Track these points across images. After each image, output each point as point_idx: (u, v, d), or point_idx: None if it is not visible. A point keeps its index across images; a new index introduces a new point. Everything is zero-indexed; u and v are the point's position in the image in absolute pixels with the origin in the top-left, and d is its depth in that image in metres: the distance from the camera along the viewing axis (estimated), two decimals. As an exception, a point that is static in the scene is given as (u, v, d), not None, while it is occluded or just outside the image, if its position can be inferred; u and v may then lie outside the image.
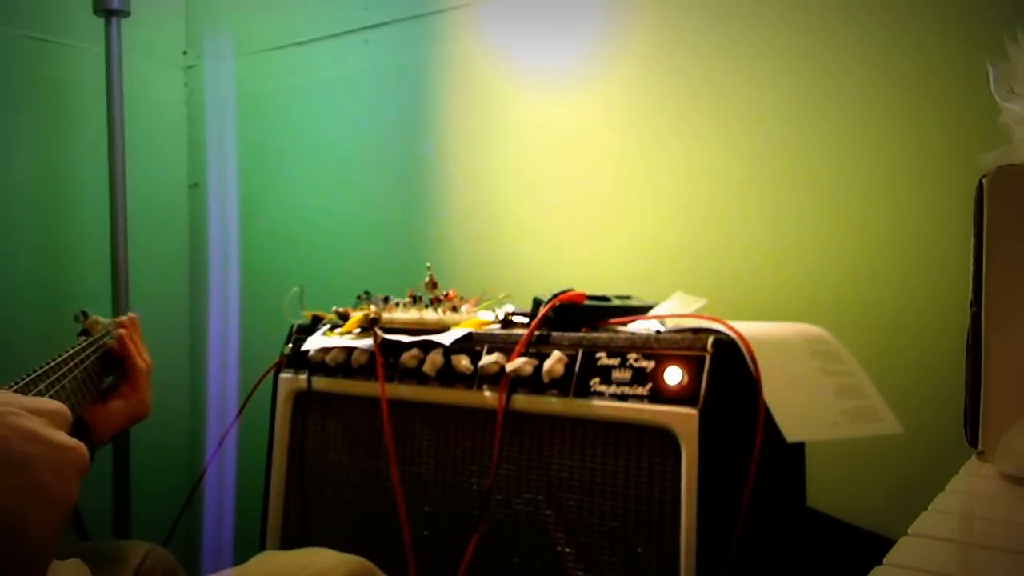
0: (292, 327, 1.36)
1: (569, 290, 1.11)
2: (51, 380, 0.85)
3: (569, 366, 1.05)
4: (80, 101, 1.92)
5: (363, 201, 1.89)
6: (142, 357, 1.12)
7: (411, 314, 1.25)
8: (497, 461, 1.09)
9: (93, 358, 1.04)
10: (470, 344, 1.15)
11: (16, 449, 0.48)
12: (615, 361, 1.02)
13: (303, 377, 1.31)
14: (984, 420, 0.87)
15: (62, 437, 0.51)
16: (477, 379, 1.12)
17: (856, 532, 1.18)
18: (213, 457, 1.86)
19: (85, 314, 1.10)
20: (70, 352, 0.96)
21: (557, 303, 1.09)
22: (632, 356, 1.01)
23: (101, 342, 1.08)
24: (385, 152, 1.86)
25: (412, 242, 1.81)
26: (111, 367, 1.10)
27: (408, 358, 1.18)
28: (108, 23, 1.81)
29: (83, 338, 1.05)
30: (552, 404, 1.06)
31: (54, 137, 1.90)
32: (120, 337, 1.10)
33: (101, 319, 1.11)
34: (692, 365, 0.96)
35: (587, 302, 1.11)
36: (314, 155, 1.97)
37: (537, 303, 1.12)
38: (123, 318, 1.14)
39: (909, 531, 0.62)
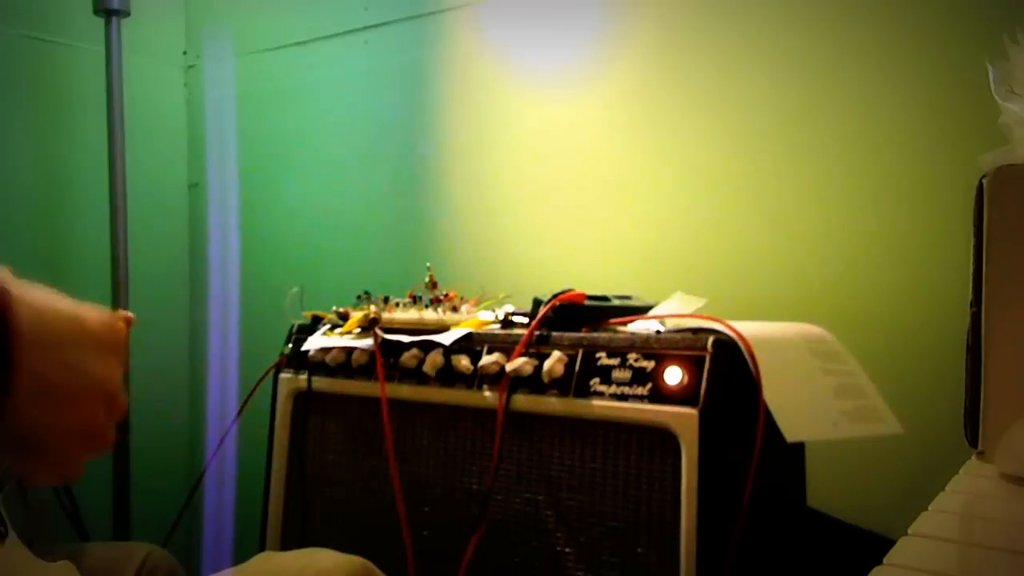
0: (292, 327, 1.36)
1: (569, 290, 1.11)
2: None
3: (569, 366, 1.05)
4: (80, 101, 1.92)
5: (363, 201, 1.89)
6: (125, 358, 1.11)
7: (411, 314, 1.25)
8: (497, 461, 1.09)
9: None
10: (470, 344, 1.15)
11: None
12: (615, 361, 1.02)
13: (303, 377, 1.31)
14: (984, 420, 0.87)
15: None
16: (477, 379, 1.12)
17: (856, 532, 1.18)
18: (213, 457, 1.86)
19: None
20: None
21: (557, 303, 1.09)
22: (632, 356, 1.01)
23: None
24: (385, 152, 1.86)
25: (412, 242, 1.81)
26: None
27: (408, 358, 1.18)
28: (108, 23, 1.81)
29: None
30: (552, 404, 1.06)
31: (54, 137, 1.90)
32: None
33: None
34: (692, 365, 0.96)
35: (587, 302, 1.11)
36: (314, 155, 1.97)
37: (537, 303, 1.12)
38: (128, 315, 1.12)
39: (909, 531, 0.63)
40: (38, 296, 0.55)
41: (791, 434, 0.90)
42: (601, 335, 1.06)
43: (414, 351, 1.18)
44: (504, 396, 1.08)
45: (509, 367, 1.07)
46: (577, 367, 1.05)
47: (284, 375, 1.34)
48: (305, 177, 1.98)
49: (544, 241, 1.64)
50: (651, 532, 0.98)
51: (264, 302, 1.95)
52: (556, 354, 1.06)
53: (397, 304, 1.27)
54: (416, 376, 1.18)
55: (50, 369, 0.53)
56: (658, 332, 1.03)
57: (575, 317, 1.09)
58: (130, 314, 1.13)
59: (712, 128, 1.46)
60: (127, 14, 1.83)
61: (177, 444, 2.13)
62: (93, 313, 0.59)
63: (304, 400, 1.32)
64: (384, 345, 1.21)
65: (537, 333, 1.10)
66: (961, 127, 1.24)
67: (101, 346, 0.58)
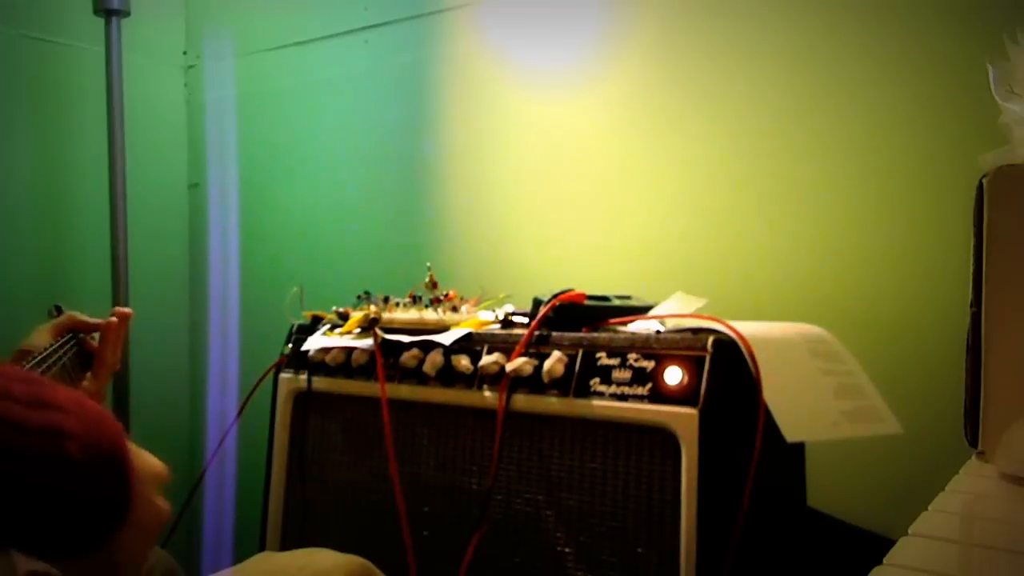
0: (292, 327, 1.36)
1: (569, 290, 1.11)
2: None
3: (569, 366, 1.05)
4: (80, 101, 1.92)
5: (363, 201, 1.89)
6: (115, 354, 1.10)
7: (411, 314, 1.25)
8: (497, 461, 1.09)
9: (71, 353, 1.04)
10: (470, 344, 1.15)
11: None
12: (615, 361, 1.02)
13: (303, 377, 1.31)
14: (984, 420, 0.87)
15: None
16: (477, 379, 1.12)
17: (856, 532, 1.18)
18: (213, 457, 1.86)
19: (59, 308, 1.09)
20: (48, 350, 0.96)
21: (557, 303, 1.09)
22: (632, 356, 1.01)
23: (79, 337, 1.08)
24: (385, 152, 1.86)
25: (412, 242, 1.81)
26: (88, 363, 1.09)
27: (408, 358, 1.18)
28: (108, 23, 1.81)
29: (54, 342, 1.04)
30: (552, 404, 1.06)
31: (54, 137, 1.90)
32: (107, 326, 1.08)
33: (76, 314, 1.10)
34: (692, 365, 0.96)
35: (587, 302, 1.11)
36: (314, 155, 1.97)
37: (537, 303, 1.12)
38: (124, 310, 1.11)
39: (909, 531, 0.63)
40: (131, 446, 0.66)
41: (791, 434, 0.90)
42: (601, 335, 1.06)
43: (414, 351, 1.18)
44: (504, 396, 1.08)
45: (509, 367, 1.07)
46: (577, 367, 1.05)
47: (284, 375, 1.34)
48: (305, 177, 1.98)
49: (544, 241, 1.64)
50: (651, 532, 0.98)
51: (264, 302, 1.96)
52: (556, 354, 1.06)
53: (397, 304, 1.27)
54: (416, 376, 1.18)
55: (144, 506, 0.64)
56: (658, 332, 1.03)
57: (575, 317, 1.09)
58: (128, 309, 1.12)
59: (712, 128, 1.46)
60: (127, 14, 1.83)
61: (177, 444, 2.13)
62: (154, 458, 0.70)
63: (304, 400, 1.32)
64: (384, 345, 1.21)
65: (537, 333, 1.10)
66: (961, 127, 1.24)
67: (160, 485, 0.69)
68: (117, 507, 0.61)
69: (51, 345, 0.98)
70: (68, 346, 1.04)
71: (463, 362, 1.13)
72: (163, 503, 0.69)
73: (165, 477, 0.70)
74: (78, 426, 0.57)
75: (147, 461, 0.68)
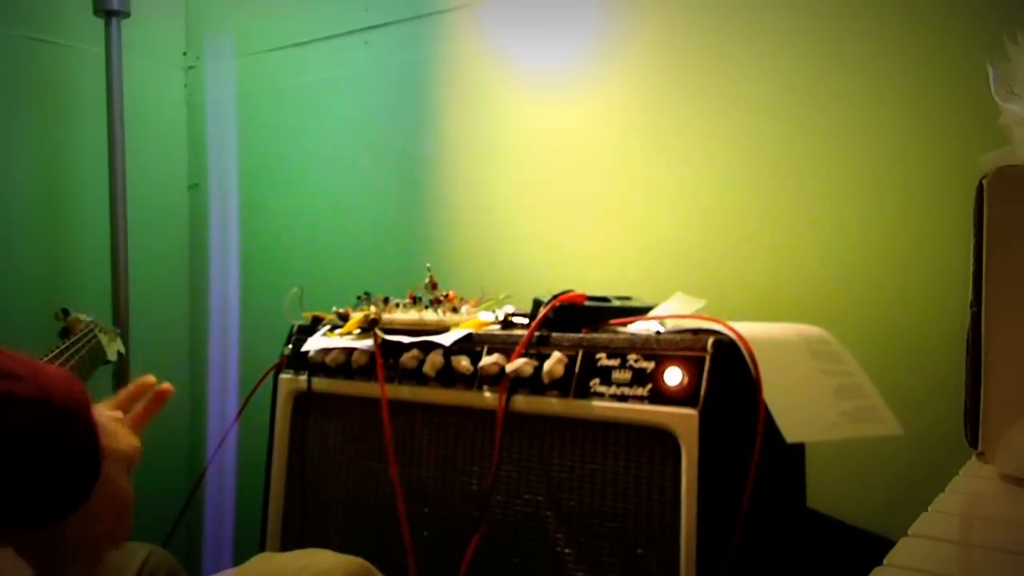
0: (292, 328, 1.36)
1: (569, 291, 1.11)
2: None
3: (569, 367, 1.05)
4: (80, 101, 1.92)
5: (363, 201, 1.89)
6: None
7: (411, 315, 1.25)
8: (497, 462, 1.09)
9: (81, 355, 1.04)
10: (470, 345, 1.15)
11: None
12: (615, 362, 1.02)
13: (303, 378, 1.31)
14: (984, 420, 0.87)
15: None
16: (477, 380, 1.12)
17: (856, 533, 1.18)
18: (213, 457, 1.86)
19: (66, 312, 1.09)
20: (54, 353, 0.96)
21: (557, 304, 1.09)
22: (632, 357, 1.01)
23: (87, 339, 1.08)
24: (385, 153, 1.86)
25: (412, 242, 1.81)
26: (97, 363, 1.09)
27: (408, 359, 1.18)
28: (108, 24, 1.81)
29: (65, 339, 1.04)
30: (552, 405, 1.05)
31: (54, 137, 1.90)
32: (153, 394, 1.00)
33: (82, 317, 1.10)
34: (692, 366, 0.96)
35: (587, 303, 1.11)
36: (314, 155, 1.97)
37: (537, 304, 1.12)
38: (165, 387, 0.99)
39: (909, 532, 0.63)
40: (101, 418, 0.63)
41: (791, 435, 0.90)
42: (601, 336, 1.06)
43: (414, 352, 1.18)
44: (504, 397, 1.08)
45: (509, 368, 1.07)
46: (577, 368, 1.05)
47: (284, 376, 1.34)
48: (305, 177, 1.98)
49: (544, 241, 1.64)
50: (651, 532, 0.98)
51: (264, 302, 1.96)
52: (556, 355, 1.06)
53: (397, 305, 1.27)
54: (416, 377, 1.18)
55: (105, 484, 0.62)
56: (658, 333, 1.03)
57: (575, 318, 1.09)
58: (167, 385, 1.02)
59: (712, 128, 1.46)
60: (127, 15, 1.83)
61: (177, 444, 2.13)
62: (129, 436, 0.68)
63: (304, 401, 1.32)
64: (384, 346, 1.21)
65: (537, 334, 1.09)
66: (961, 127, 1.24)
67: (130, 465, 0.68)
68: (78, 478, 0.58)
69: (57, 346, 0.98)
70: (76, 347, 1.04)
71: (463, 363, 1.13)
72: (127, 485, 0.65)
73: (135, 457, 0.67)
74: (30, 391, 0.54)
75: (117, 439, 0.64)
